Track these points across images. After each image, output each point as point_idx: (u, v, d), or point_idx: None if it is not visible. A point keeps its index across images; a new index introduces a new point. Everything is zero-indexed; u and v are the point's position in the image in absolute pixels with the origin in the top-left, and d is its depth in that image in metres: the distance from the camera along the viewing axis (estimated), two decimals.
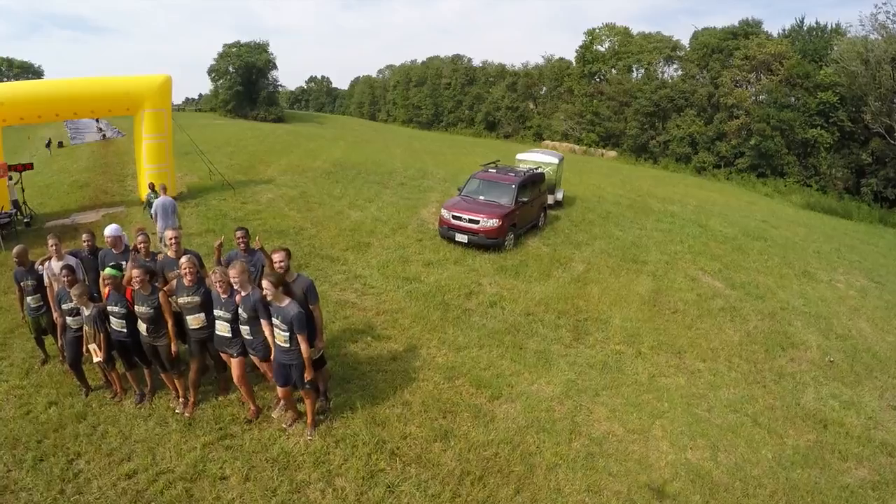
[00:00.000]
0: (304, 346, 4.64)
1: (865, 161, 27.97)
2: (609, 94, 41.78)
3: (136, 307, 5.17)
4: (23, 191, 12.35)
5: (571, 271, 9.80)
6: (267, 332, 4.86)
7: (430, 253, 10.35)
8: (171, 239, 5.60)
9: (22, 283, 5.96)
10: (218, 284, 4.98)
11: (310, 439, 5.05)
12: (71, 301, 5.33)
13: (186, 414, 5.40)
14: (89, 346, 5.31)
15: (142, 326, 5.24)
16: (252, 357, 5.21)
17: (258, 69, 57.94)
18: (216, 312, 5.06)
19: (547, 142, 46.90)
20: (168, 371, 5.39)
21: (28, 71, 61.27)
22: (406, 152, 28.51)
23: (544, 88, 50.96)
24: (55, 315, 5.85)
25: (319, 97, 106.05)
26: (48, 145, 24.55)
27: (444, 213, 10.94)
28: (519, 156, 15.35)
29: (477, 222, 10.36)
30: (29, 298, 6.01)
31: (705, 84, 36.19)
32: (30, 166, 12.75)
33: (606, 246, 11.71)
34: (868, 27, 25.52)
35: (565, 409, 5.63)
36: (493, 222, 10.27)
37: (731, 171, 32.95)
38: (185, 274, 5.09)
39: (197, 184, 15.50)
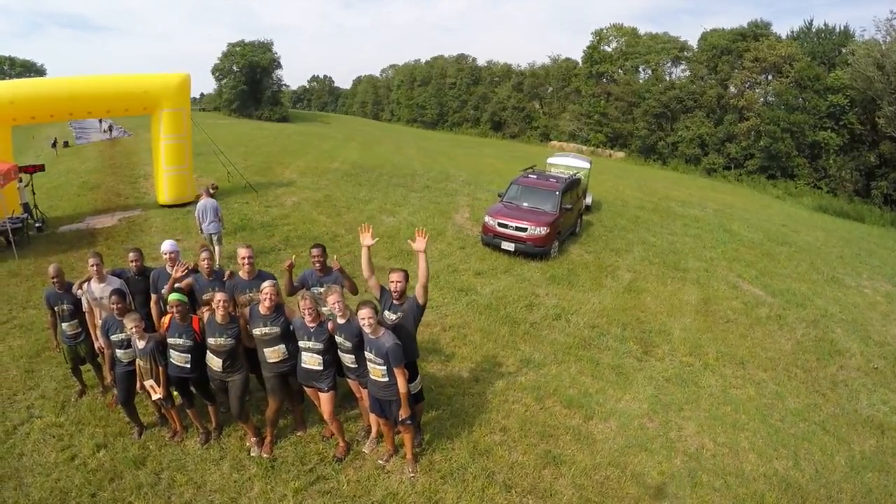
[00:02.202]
0: (401, 382, 4.23)
1: (874, 163, 28.39)
2: (617, 95, 42.04)
3: (209, 339, 4.53)
4: (34, 194, 11.97)
5: (620, 280, 10.01)
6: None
7: (476, 262, 10.45)
8: (243, 258, 4.98)
9: (56, 308, 5.24)
10: (307, 312, 4.43)
11: (413, 476, 4.66)
12: (121, 332, 4.67)
13: (265, 454, 4.81)
14: (145, 382, 4.66)
15: (214, 361, 4.60)
16: (350, 382, 4.82)
17: (263, 68, 57.89)
18: (304, 344, 4.53)
19: (554, 142, 47.10)
20: (238, 416, 4.81)
21: (30, 70, 60.75)
22: (420, 153, 28.57)
23: (550, 88, 51.19)
24: (97, 345, 5.25)
25: (322, 96, 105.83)
26: (54, 145, 24.23)
27: (489, 220, 10.97)
28: (550, 160, 15.48)
29: (524, 230, 10.44)
30: (65, 325, 5.29)
31: (714, 85, 36.49)
32: (41, 167, 12.25)
33: (645, 253, 11.93)
34: (883, 32, 25.93)
35: (657, 426, 5.74)
36: (541, 230, 10.37)
37: (741, 173, 33.29)
38: (264, 300, 4.49)
39: None
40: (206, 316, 4.62)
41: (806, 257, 13.63)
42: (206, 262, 5.03)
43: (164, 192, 12.97)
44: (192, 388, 4.87)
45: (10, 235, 9.71)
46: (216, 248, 9.38)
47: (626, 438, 5.45)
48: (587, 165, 15.11)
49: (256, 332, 4.54)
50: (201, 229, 9.36)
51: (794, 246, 14.74)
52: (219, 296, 4.49)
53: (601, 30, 45.49)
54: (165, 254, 5.23)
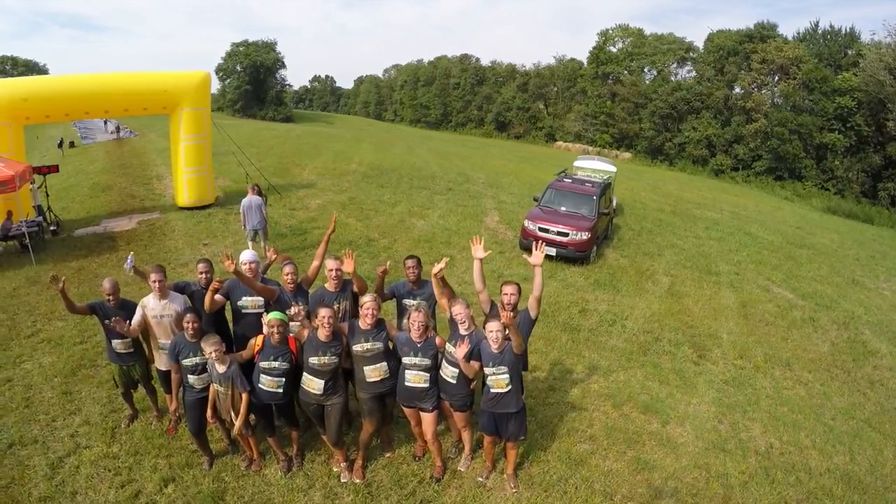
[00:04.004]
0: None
1: (881, 165, 28.98)
2: (623, 96, 42.50)
3: (311, 359, 4.21)
4: (47, 195, 11.68)
5: (660, 285, 10.38)
6: (470, 373, 4.32)
7: (518, 267, 10.62)
8: (331, 270, 4.74)
9: (106, 322, 4.70)
10: (415, 325, 4.25)
11: (515, 491, 4.59)
12: (195, 355, 4.30)
13: (357, 479, 4.55)
14: (223, 416, 4.34)
15: (314, 383, 4.25)
16: (444, 401, 4.61)
17: (266, 68, 58.16)
18: (409, 360, 4.34)
19: (559, 143, 47.57)
20: (336, 443, 4.48)
21: (33, 69, 60.61)
22: (433, 154, 28.65)
23: (556, 89, 51.61)
24: (145, 365, 4.88)
25: (324, 97, 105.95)
26: (60, 145, 24.09)
27: (529, 224, 11.20)
28: (577, 163, 15.71)
29: (566, 235, 10.69)
30: (116, 342, 4.75)
31: (721, 87, 36.99)
32: (55, 168, 11.84)
33: (677, 257, 12.32)
34: (893, 35, 26.47)
35: (727, 428, 6.04)
36: (583, 235, 10.66)
37: (749, 174, 33.84)
38: (366, 315, 4.29)
39: (232, 188, 14.99)
40: (305, 334, 4.37)
41: (825, 260, 14.08)
42: (289, 276, 4.79)
43: (184, 193, 12.73)
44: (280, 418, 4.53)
45: (27, 239, 9.23)
46: (262, 243, 9.69)
47: (704, 441, 5.72)
48: (613, 169, 15.43)
49: (357, 348, 4.32)
50: (245, 225, 9.63)
51: (813, 249, 15.19)
52: (323, 311, 4.17)
53: (607, 30, 46.09)
54: (245, 263, 4.82)
